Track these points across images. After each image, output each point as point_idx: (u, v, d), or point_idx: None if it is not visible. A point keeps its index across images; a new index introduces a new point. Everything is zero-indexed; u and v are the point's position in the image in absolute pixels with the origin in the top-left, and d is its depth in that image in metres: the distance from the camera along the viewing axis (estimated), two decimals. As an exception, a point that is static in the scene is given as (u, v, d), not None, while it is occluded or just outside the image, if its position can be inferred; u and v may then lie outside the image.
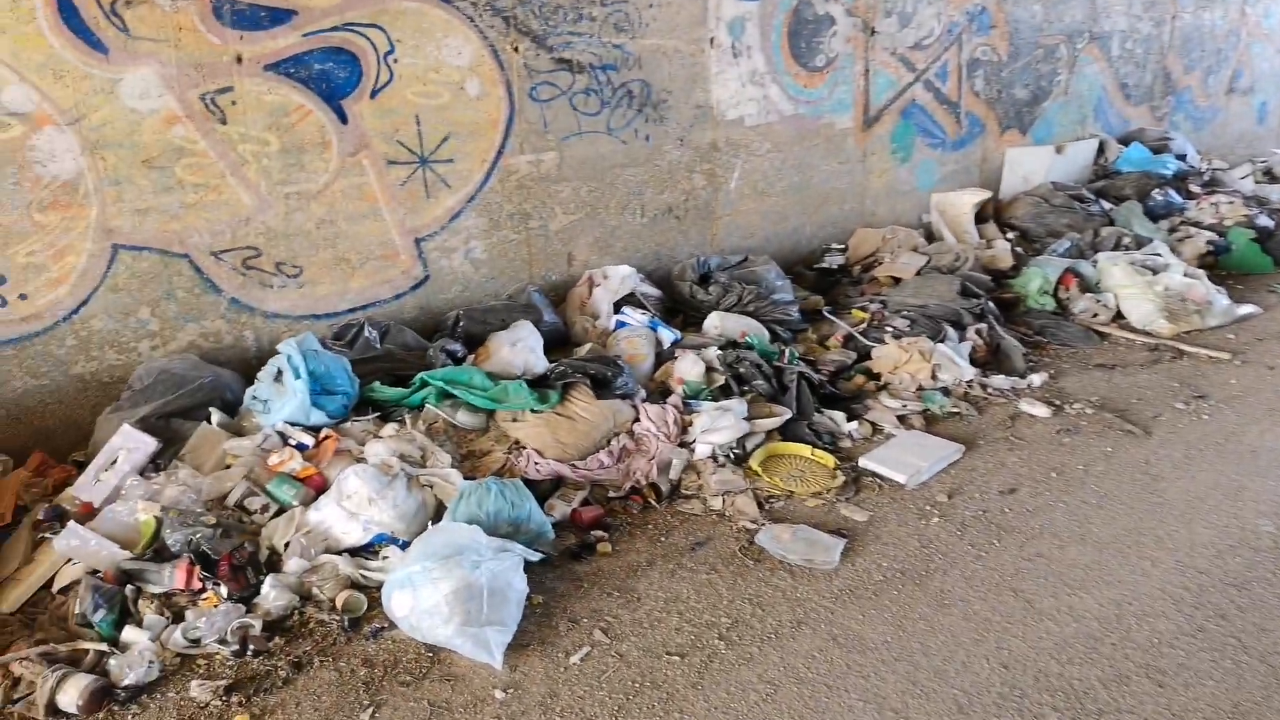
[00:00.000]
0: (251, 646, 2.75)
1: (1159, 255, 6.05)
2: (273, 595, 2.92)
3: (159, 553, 3.03)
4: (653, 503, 3.65)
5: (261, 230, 4.15)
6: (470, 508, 3.16)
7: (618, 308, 4.96)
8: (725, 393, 4.25)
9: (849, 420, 4.26)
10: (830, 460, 3.94)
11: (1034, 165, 7.59)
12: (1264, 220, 6.84)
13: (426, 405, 3.88)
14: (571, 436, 3.77)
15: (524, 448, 3.75)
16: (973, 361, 4.85)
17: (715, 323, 4.91)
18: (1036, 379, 4.77)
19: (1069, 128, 8.19)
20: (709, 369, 4.37)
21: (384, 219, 4.49)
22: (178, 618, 2.86)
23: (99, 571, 2.94)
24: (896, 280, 5.89)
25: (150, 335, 3.97)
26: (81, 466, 3.48)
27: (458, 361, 4.20)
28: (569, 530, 3.44)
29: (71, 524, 3.02)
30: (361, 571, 3.08)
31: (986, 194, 7.00)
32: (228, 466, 3.47)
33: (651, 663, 2.76)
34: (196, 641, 2.76)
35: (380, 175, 4.42)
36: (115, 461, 3.37)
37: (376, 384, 4.00)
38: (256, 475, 3.41)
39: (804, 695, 2.61)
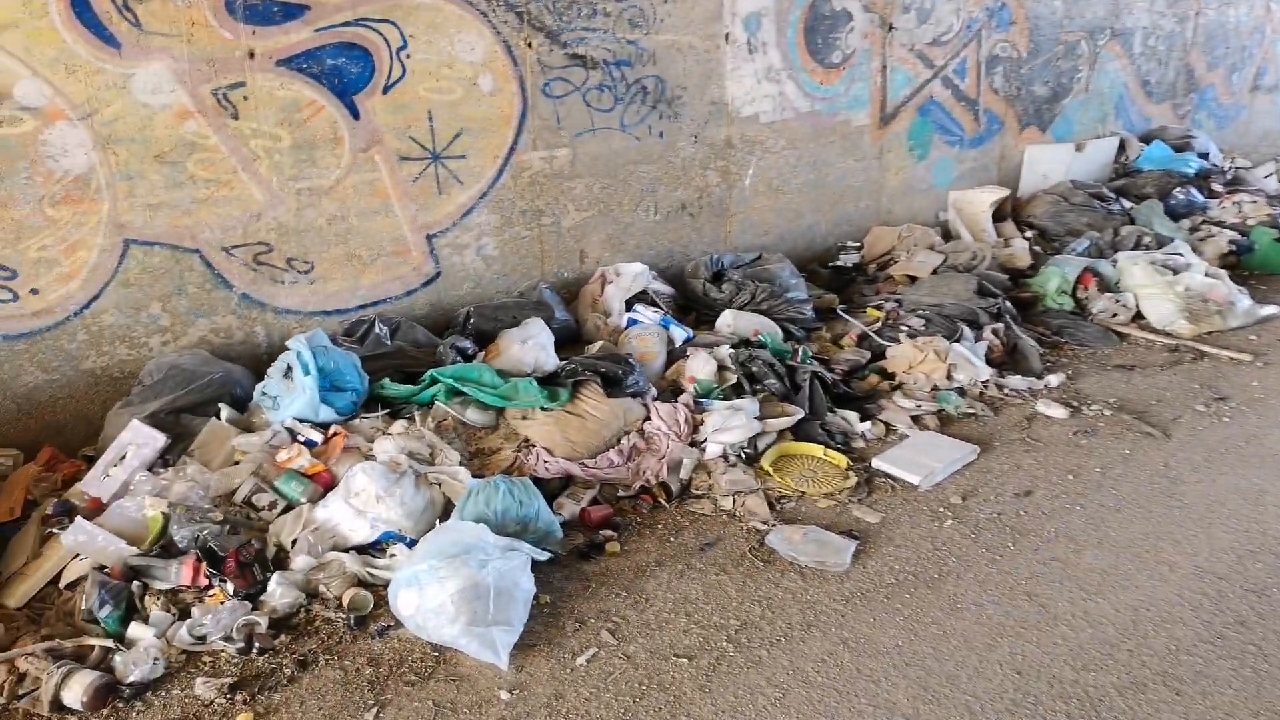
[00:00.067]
0: (257, 644, 2.74)
1: (1180, 255, 5.98)
2: (279, 592, 2.90)
3: (166, 549, 3.03)
4: (662, 502, 3.62)
5: (273, 226, 4.14)
6: (478, 506, 3.14)
7: (630, 305, 4.94)
8: (737, 392, 4.21)
9: (862, 420, 4.21)
10: (843, 461, 3.90)
11: (1053, 163, 7.52)
12: (1287, 220, 6.75)
13: (436, 402, 3.87)
14: (581, 435, 3.75)
15: (533, 446, 3.73)
16: (989, 361, 4.79)
17: (728, 321, 4.87)
18: (1054, 380, 4.71)
19: (1089, 125, 8.10)
20: (721, 367, 4.34)
21: (396, 215, 4.48)
22: (184, 614, 2.85)
23: (106, 567, 2.93)
24: (912, 279, 5.83)
25: (161, 330, 3.97)
26: (91, 461, 3.48)
27: (468, 359, 4.18)
28: (578, 529, 3.42)
29: (79, 519, 3.02)
30: (368, 569, 3.07)
31: (1005, 192, 6.93)
32: (236, 463, 3.46)
33: (659, 665, 2.73)
34: (202, 638, 2.75)
35: (392, 171, 4.41)
36: (124, 457, 3.37)
37: (386, 381, 3.98)
38: (265, 471, 3.40)
39: (813, 700, 2.57)
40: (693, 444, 3.88)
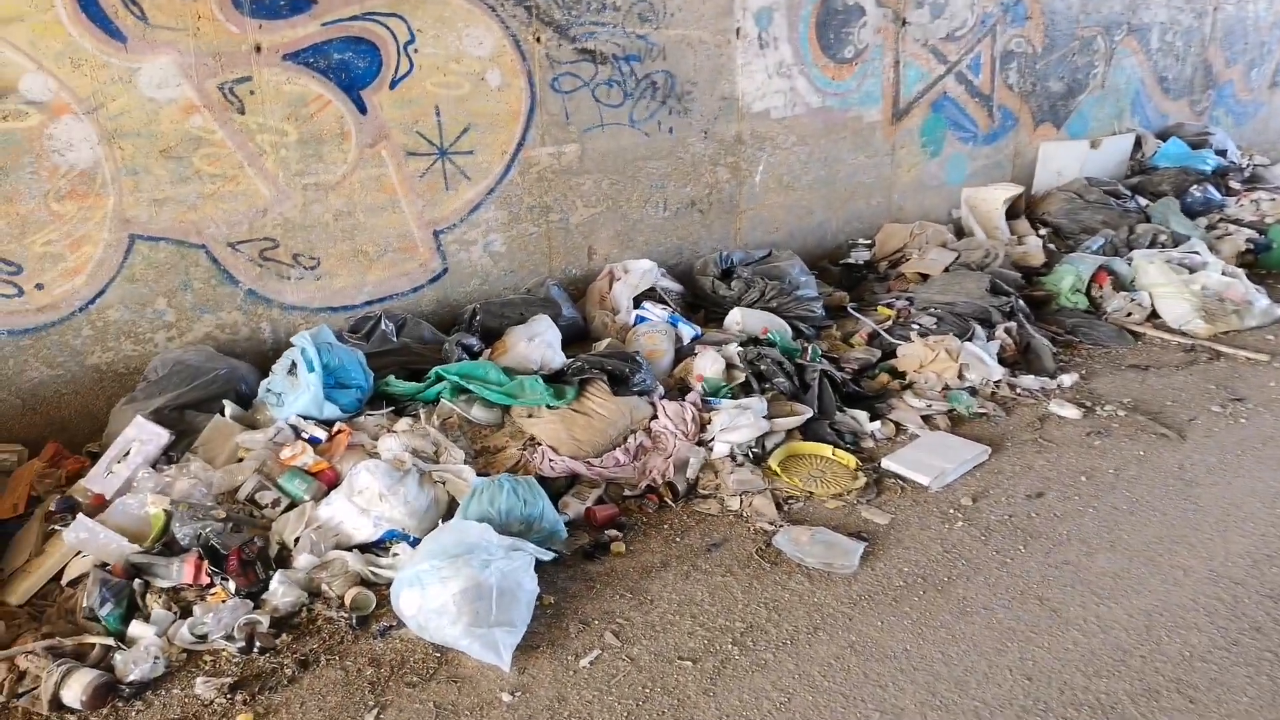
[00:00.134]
0: (258, 643, 2.72)
1: (1196, 253, 5.92)
2: (281, 591, 2.88)
3: (168, 546, 3.01)
4: (669, 502, 3.58)
5: (279, 221, 4.12)
6: (482, 505, 3.11)
7: (638, 303, 4.90)
8: (745, 390, 4.18)
9: (872, 420, 4.17)
10: (852, 461, 3.85)
11: (1068, 160, 7.45)
12: (1306, 218, 6.66)
13: (441, 400, 3.84)
14: (587, 433, 3.72)
15: (539, 444, 3.70)
16: (1001, 361, 4.74)
17: (737, 319, 4.83)
18: (1067, 379, 4.65)
19: (1105, 122, 8.02)
20: (729, 366, 4.30)
21: (402, 211, 4.45)
22: (185, 613, 2.83)
23: (108, 565, 2.92)
24: (924, 277, 5.79)
25: (166, 326, 3.95)
26: (95, 458, 3.46)
27: (474, 356, 4.16)
28: (583, 529, 3.39)
29: (80, 516, 3.00)
30: (371, 568, 3.04)
31: (1018, 189, 6.87)
32: (240, 460, 3.44)
33: (663, 667, 2.69)
34: (203, 637, 2.73)
35: (399, 167, 4.38)
36: (128, 453, 3.36)
37: (391, 378, 3.96)
38: (268, 469, 3.38)
39: (819, 705, 2.53)
40: (700, 443, 3.84)
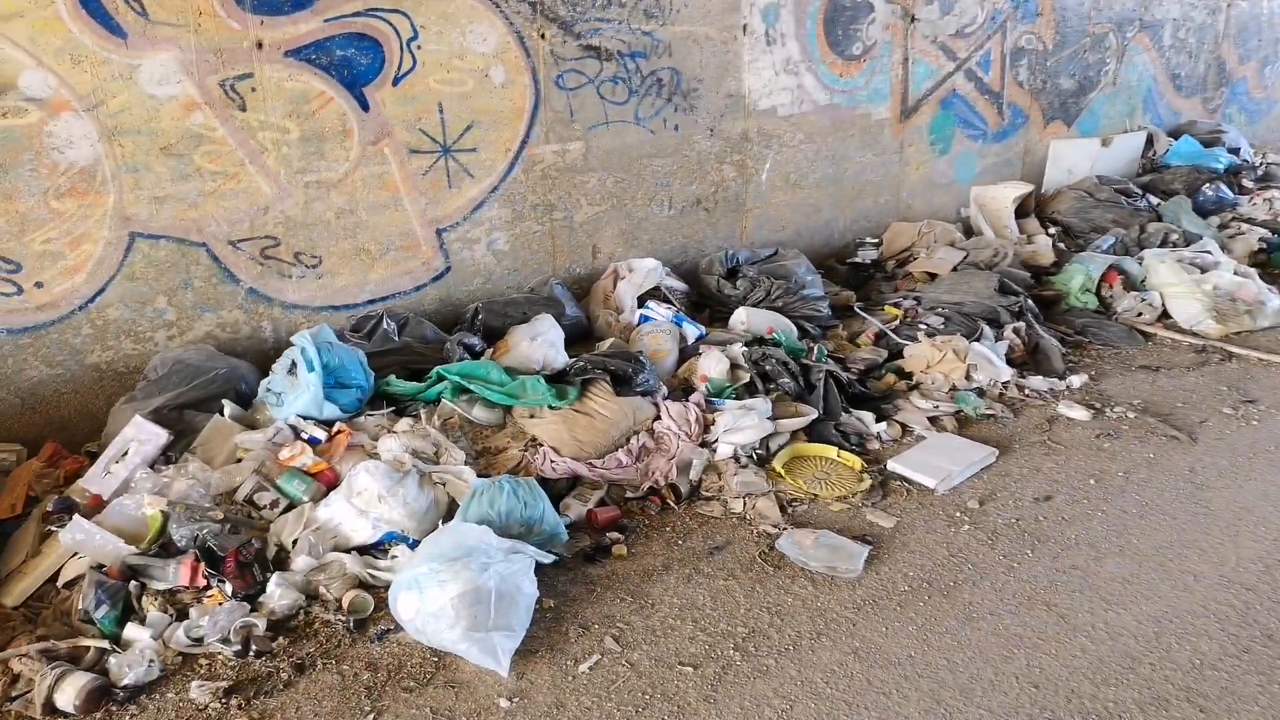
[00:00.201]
0: (254, 647, 2.69)
1: (1208, 252, 5.86)
2: (278, 594, 2.85)
3: (165, 548, 2.98)
4: (671, 504, 3.54)
5: (280, 219, 4.09)
6: (482, 507, 3.08)
7: (642, 302, 4.87)
8: (750, 391, 4.14)
9: (878, 421, 4.12)
10: (857, 463, 3.81)
11: (1078, 158, 7.39)
12: (1321, 217, 6.60)
13: (442, 400, 3.81)
14: (589, 434, 3.68)
15: (540, 445, 3.67)
16: (1009, 361, 4.68)
17: (742, 318, 4.79)
18: (1076, 381, 4.60)
19: (1116, 120, 7.95)
20: (734, 366, 4.26)
21: (405, 209, 4.42)
22: (181, 615, 2.80)
23: (104, 566, 2.89)
24: (932, 276, 5.74)
25: (167, 325, 3.93)
26: (94, 457, 3.44)
27: (476, 355, 4.12)
28: (584, 531, 3.35)
29: (77, 517, 2.98)
30: (370, 570, 3.01)
31: (1028, 187, 6.82)
32: (239, 460, 3.41)
33: (663, 673, 2.65)
34: (199, 640, 2.70)
35: (402, 164, 4.35)
36: (126, 453, 3.33)
37: (392, 377, 3.93)
38: (267, 469, 3.35)
39: (821, 712, 2.49)
40: (703, 444, 3.80)
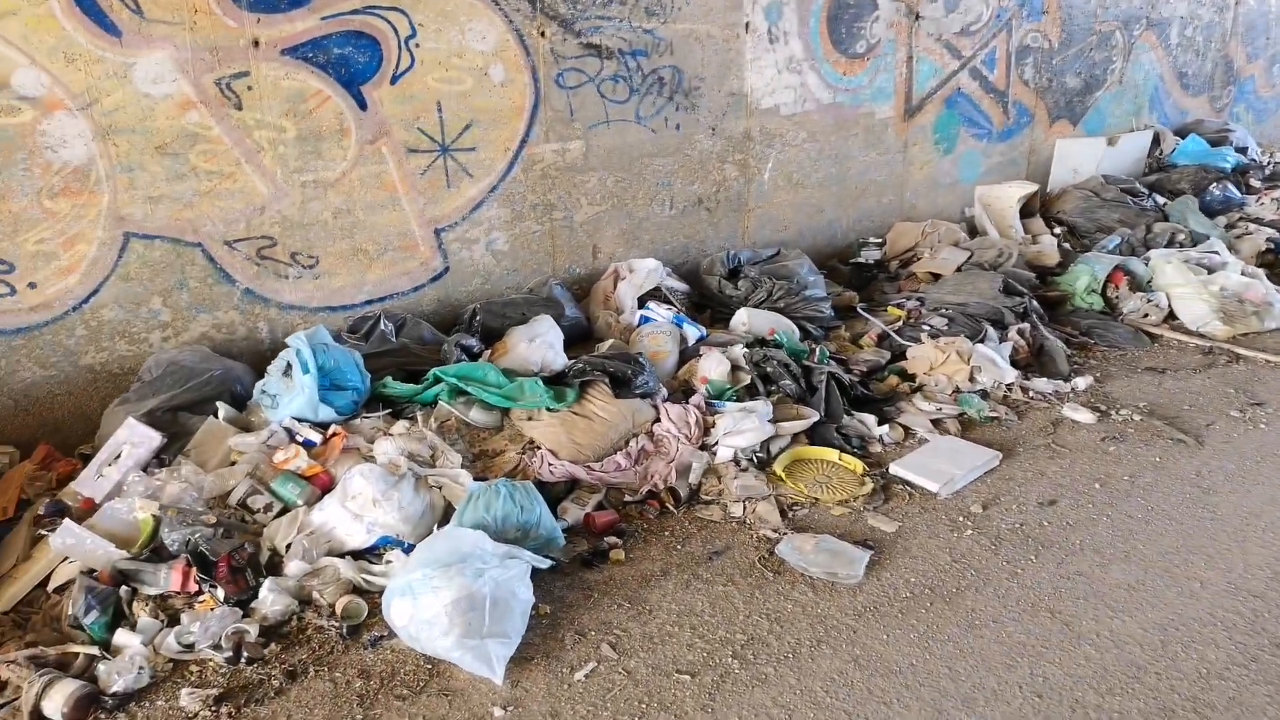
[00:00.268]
0: (246, 653, 2.65)
1: (1215, 253, 5.82)
2: (271, 599, 2.81)
3: (157, 552, 2.95)
4: (670, 508, 3.49)
5: (277, 219, 4.05)
6: (478, 511, 3.04)
7: (643, 302, 4.83)
8: (751, 393, 4.09)
9: (880, 424, 4.08)
10: (859, 466, 3.76)
11: (1084, 157, 7.34)
12: (1329, 217, 6.54)
13: (439, 402, 3.77)
14: (588, 437, 3.64)
15: (538, 448, 3.63)
16: (1014, 363, 4.64)
17: (743, 319, 4.75)
18: (1081, 383, 4.55)
19: (1122, 119, 7.90)
20: (734, 368, 4.22)
21: (403, 209, 4.38)
22: (173, 621, 2.76)
23: (95, 571, 2.85)
24: (936, 276, 5.69)
25: (162, 326, 3.89)
26: (87, 459, 3.41)
27: (473, 357, 4.08)
28: (582, 535, 3.31)
29: (67, 521, 2.94)
30: (364, 575, 2.97)
31: (1033, 187, 6.77)
32: (233, 463, 3.37)
33: (660, 681, 2.61)
34: (190, 647, 2.66)
35: (400, 164, 4.31)
36: (119, 456, 3.30)
37: (389, 379, 3.89)
38: (261, 473, 3.32)
39: (820, 722, 2.45)
40: (703, 447, 3.76)
